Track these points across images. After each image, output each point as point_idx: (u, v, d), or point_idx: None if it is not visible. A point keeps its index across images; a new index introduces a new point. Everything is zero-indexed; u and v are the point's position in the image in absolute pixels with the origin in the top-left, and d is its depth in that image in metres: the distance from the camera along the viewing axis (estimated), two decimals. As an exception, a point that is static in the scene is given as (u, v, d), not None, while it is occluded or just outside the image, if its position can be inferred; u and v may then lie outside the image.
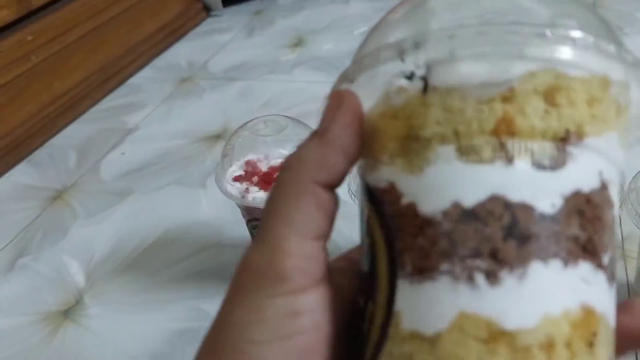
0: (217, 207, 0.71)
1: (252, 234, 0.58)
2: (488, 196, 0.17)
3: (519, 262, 0.16)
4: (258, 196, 0.52)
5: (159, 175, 0.80)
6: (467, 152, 0.17)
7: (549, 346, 0.16)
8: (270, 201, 0.20)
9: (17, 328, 0.59)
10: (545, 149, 0.17)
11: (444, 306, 0.17)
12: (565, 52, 0.17)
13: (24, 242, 0.71)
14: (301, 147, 0.20)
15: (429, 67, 0.18)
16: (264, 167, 0.55)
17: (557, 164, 0.17)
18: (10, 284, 0.65)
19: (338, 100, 0.20)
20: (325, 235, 0.20)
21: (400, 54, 0.18)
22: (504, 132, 0.17)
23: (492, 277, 0.16)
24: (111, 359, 0.54)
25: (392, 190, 0.18)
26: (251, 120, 0.54)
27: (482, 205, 0.17)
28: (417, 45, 0.17)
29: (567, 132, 0.17)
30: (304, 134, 0.56)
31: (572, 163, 0.17)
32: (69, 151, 0.88)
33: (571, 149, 0.17)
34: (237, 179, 0.55)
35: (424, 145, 0.18)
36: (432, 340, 0.17)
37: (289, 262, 0.19)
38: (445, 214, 0.17)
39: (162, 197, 0.75)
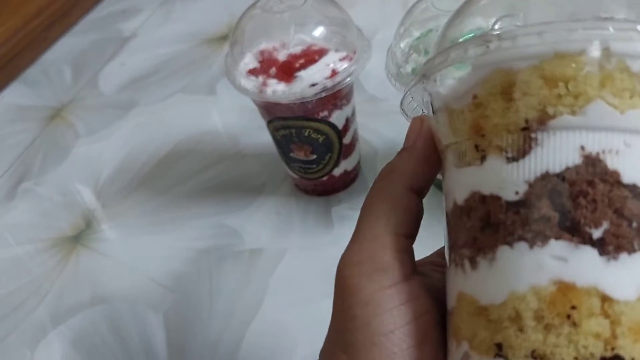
0: (230, 114, 0.64)
1: (274, 137, 0.51)
2: (470, 193, 0.20)
3: (489, 247, 0.19)
4: (278, 89, 0.44)
5: (163, 84, 0.72)
6: (458, 159, 0.20)
7: (517, 318, 0.18)
8: (365, 205, 0.23)
9: (26, 256, 0.54)
10: (509, 142, 0.18)
11: (452, 288, 0.21)
12: (505, 49, 0.18)
13: (23, 166, 0.64)
14: (394, 160, 0.23)
15: (430, 94, 0.22)
16: (281, 57, 0.47)
17: (523, 152, 0.18)
18: (14, 212, 0.59)
19: (420, 121, 0.23)
20: (414, 234, 0.23)
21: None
22: (476, 136, 0.19)
23: (473, 262, 0.20)
24: (130, 283, 0.49)
25: None
26: (260, -1, 0.45)
27: (466, 201, 0.20)
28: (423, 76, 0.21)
29: (526, 121, 0.18)
30: (327, 11, 0.48)
31: (538, 148, 0.18)
32: (63, 66, 0.80)
33: (536, 135, 0.18)
34: (252, 72, 0.47)
35: (443, 157, 0.22)
36: (450, 314, 0.21)
37: (389, 255, 0.21)
38: (449, 212, 0.21)
39: (168, 107, 0.68)
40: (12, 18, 0.82)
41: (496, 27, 0.19)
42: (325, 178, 0.52)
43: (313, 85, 0.44)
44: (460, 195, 0.20)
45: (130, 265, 0.51)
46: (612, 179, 0.18)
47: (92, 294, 0.49)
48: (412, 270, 0.22)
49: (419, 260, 0.25)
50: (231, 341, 0.44)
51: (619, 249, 0.18)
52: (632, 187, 0.18)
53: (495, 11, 0.20)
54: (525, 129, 0.18)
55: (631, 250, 0.18)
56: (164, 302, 0.47)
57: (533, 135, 0.18)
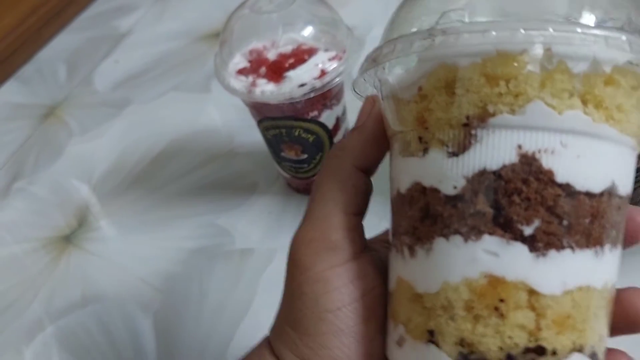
0: (224, 112, 0.64)
1: (265, 137, 0.51)
2: (412, 183, 0.20)
3: (427, 238, 0.20)
4: (267, 89, 0.44)
5: (157, 82, 0.71)
6: (403, 148, 0.21)
7: (449, 307, 0.19)
8: (318, 183, 0.23)
9: (18, 256, 0.54)
10: (451, 136, 0.19)
11: (393, 272, 0.22)
12: (449, 45, 0.18)
13: (17, 165, 0.64)
14: (344, 139, 0.24)
15: (380, 80, 0.22)
16: (271, 56, 0.47)
17: (463, 148, 0.18)
18: (6, 211, 0.59)
19: (372, 102, 0.23)
20: (363, 212, 0.23)
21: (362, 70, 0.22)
22: (420, 128, 0.20)
23: (412, 250, 0.20)
24: (120, 283, 0.49)
25: None
26: (251, -3, 0.45)
27: (409, 190, 0.20)
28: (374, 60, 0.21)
29: (467, 117, 0.18)
30: (316, 10, 0.48)
31: (478, 144, 0.18)
32: (58, 64, 0.79)
33: (476, 132, 0.18)
34: (241, 71, 0.46)
35: (391, 142, 0.22)
36: (390, 296, 0.22)
37: (339, 234, 0.22)
38: (393, 199, 0.22)
39: (162, 105, 0.68)
40: (7, 16, 0.82)
41: (441, 21, 0.19)
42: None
43: (302, 85, 0.44)
44: (403, 183, 0.21)
45: (121, 265, 0.51)
46: (546, 178, 0.18)
47: (83, 294, 0.49)
48: (362, 247, 0.23)
49: (372, 238, 0.25)
50: (221, 341, 0.44)
51: (548, 246, 0.18)
52: (565, 186, 0.18)
53: (441, 5, 0.20)
54: (466, 125, 0.18)
55: (560, 248, 0.18)
56: (154, 302, 0.47)
57: (473, 131, 0.18)
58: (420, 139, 0.20)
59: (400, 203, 0.21)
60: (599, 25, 0.18)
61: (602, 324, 0.20)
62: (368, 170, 0.23)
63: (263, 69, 0.46)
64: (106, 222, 0.55)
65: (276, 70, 0.45)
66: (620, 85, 0.18)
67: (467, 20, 0.19)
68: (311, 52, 0.45)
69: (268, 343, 0.24)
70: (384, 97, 0.22)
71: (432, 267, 0.19)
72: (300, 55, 0.45)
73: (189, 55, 0.74)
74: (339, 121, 0.49)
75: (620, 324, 0.21)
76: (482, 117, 0.18)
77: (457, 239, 0.19)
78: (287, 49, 0.47)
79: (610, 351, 0.22)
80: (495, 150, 0.18)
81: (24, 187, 0.61)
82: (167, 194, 0.57)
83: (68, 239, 0.54)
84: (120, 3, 0.89)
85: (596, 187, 0.19)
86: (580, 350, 0.19)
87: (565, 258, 0.18)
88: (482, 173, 0.18)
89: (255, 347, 0.25)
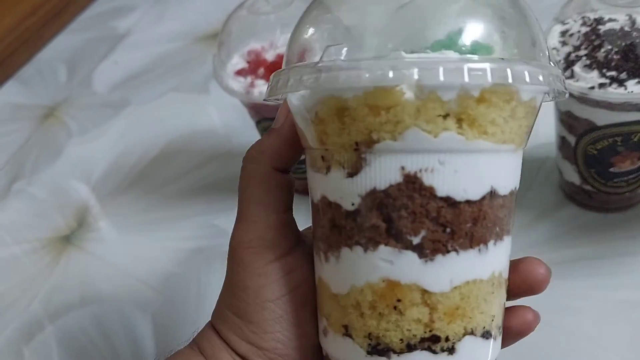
0: (223, 113, 0.64)
1: (263, 137, 0.51)
2: (320, 196, 0.23)
3: (335, 247, 0.22)
4: (265, 90, 0.44)
5: (156, 82, 0.71)
6: (312, 164, 0.23)
7: (358, 307, 0.22)
8: (243, 187, 0.26)
9: (17, 256, 0.54)
10: (346, 159, 0.21)
11: (315, 270, 0.25)
12: (332, 80, 0.20)
13: (17, 166, 0.65)
14: (261, 141, 0.26)
15: (287, 99, 0.24)
16: (269, 57, 0.47)
17: (356, 169, 0.21)
18: (6, 211, 0.59)
19: (286, 110, 0.25)
20: (291, 207, 0.26)
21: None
22: (321, 148, 0.22)
23: (326, 255, 0.23)
24: (120, 283, 0.49)
25: None
26: (250, -3, 0.45)
27: (319, 202, 0.23)
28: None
29: (357, 143, 0.21)
30: (315, 11, 0.48)
31: (367, 167, 0.21)
32: (57, 65, 0.80)
33: (365, 156, 0.21)
34: (239, 72, 0.47)
35: (305, 155, 0.25)
36: (316, 289, 0.25)
37: (273, 233, 0.25)
38: (311, 206, 0.24)
39: (161, 106, 0.68)
40: (7, 16, 0.82)
41: (325, 56, 0.21)
42: (315, 178, 0.51)
43: (300, 86, 0.44)
44: (315, 195, 0.23)
45: (119, 266, 0.51)
46: (428, 194, 0.21)
47: (82, 294, 0.49)
48: (295, 240, 0.26)
49: (307, 228, 0.28)
50: (219, 342, 0.44)
51: (435, 251, 0.21)
52: (446, 199, 0.21)
53: (323, 40, 0.22)
54: (356, 149, 0.21)
55: (445, 252, 0.21)
56: (153, 302, 0.47)
57: (363, 155, 0.21)
58: (322, 157, 0.22)
59: (315, 211, 0.23)
60: (468, 53, 0.20)
61: (494, 305, 0.23)
62: (286, 169, 0.26)
63: (261, 70, 0.46)
64: (105, 222, 0.56)
65: (274, 71, 0.45)
66: (492, 103, 0.20)
67: (344, 56, 0.21)
68: (309, 53, 0.45)
69: (212, 327, 0.27)
70: (293, 113, 0.23)
71: (342, 272, 0.22)
72: (298, 56, 0.46)
73: (188, 56, 0.74)
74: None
75: (521, 289, 0.25)
76: (368, 144, 0.20)
77: (359, 249, 0.22)
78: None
79: (515, 308, 0.25)
80: (382, 172, 0.21)
81: (24, 188, 0.62)
82: (166, 194, 0.57)
83: (67, 240, 0.55)
84: (120, 4, 0.89)
85: (475, 195, 0.21)
86: (472, 333, 0.22)
87: (450, 260, 0.21)
88: (374, 192, 0.21)
89: (201, 331, 0.27)
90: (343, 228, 0.22)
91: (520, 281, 0.25)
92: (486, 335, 0.23)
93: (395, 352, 0.22)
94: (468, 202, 0.21)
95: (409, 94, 0.20)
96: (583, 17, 0.40)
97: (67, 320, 0.47)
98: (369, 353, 0.22)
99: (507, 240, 0.23)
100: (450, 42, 0.20)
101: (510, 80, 0.19)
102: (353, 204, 0.21)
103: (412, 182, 0.20)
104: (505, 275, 0.24)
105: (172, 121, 0.65)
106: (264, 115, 0.47)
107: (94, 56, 0.79)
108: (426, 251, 0.21)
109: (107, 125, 0.67)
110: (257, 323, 0.25)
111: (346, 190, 0.21)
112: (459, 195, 0.21)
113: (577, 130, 0.40)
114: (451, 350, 0.22)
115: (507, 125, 0.21)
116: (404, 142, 0.20)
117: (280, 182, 0.25)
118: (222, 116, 0.63)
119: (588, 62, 0.37)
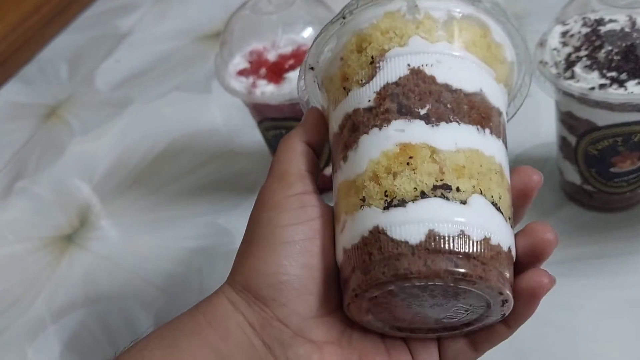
0: (225, 112, 0.64)
1: (265, 137, 0.51)
2: (342, 118, 0.27)
3: (354, 141, 0.26)
4: (267, 90, 0.44)
5: (159, 81, 0.72)
6: (334, 104, 0.28)
7: (374, 177, 0.25)
8: (275, 154, 0.29)
9: (20, 255, 0.55)
10: (363, 74, 0.26)
11: (334, 189, 0.28)
12: (354, 18, 0.27)
13: (19, 164, 0.65)
14: (292, 131, 0.30)
15: (317, 76, 0.30)
16: (271, 57, 0.47)
17: (371, 77, 0.26)
18: (9, 210, 0.60)
19: (311, 109, 0.30)
20: (313, 172, 0.29)
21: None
22: (344, 81, 0.27)
23: (345, 158, 0.27)
24: (122, 282, 0.50)
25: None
26: (252, -3, 0.45)
27: (340, 125, 0.28)
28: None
29: (372, 57, 0.26)
30: (316, 11, 0.48)
31: (381, 71, 0.26)
32: (60, 63, 0.80)
33: (379, 64, 0.26)
34: (241, 72, 0.47)
35: (327, 115, 0.30)
36: (334, 211, 0.28)
37: (292, 178, 0.28)
38: (331, 143, 0.29)
39: (164, 105, 0.68)
40: (10, 15, 0.82)
41: (345, 10, 0.28)
42: (316, 177, 0.52)
43: (302, 86, 0.44)
44: (335, 125, 0.28)
45: (122, 264, 0.51)
46: (430, 80, 0.26)
47: (85, 293, 0.49)
48: (313, 190, 0.28)
49: None
50: (221, 340, 0.44)
51: (439, 119, 0.25)
52: (445, 85, 0.26)
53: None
54: (371, 62, 0.26)
55: (448, 121, 0.25)
56: (155, 301, 0.47)
57: (377, 65, 0.26)
58: (344, 88, 0.27)
59: (335, 138, 0.28)
60: None
61: (499, 187, 0.25)
62: (311, 144, 0.29)
63: (263, 70, 0.46)
64: (108, 221, 0.56)
65: (276, 71, 0.46)
66: (472, 31, 0.27)
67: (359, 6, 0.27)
68: (311, 53, 0.46)
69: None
70: (320, 85, 0.29)
71: (359, 156, 0.26)
72: (300, 57, 0.46)
73: (190, 54, 0.75)
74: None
75: (528, 257, 0.26)
76: (381, 54, 0.26)
77: (375, 130, 0.25)
78: (287, 50, 0.47)
79: (529, 271, 0.25)
80: (393, 70, 0.26)
81: (26, 187, 0.62)
82: (168, 193, 0.57)
83: (70, 238, 0.55)
84: (122, 2, 0.89)
85: (468, 87, 0.26)
86: (480, 193, 0.24)
87: (453, 127, 0.25)
88: (386, 85, 0.26)
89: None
90: (361, 123, 0.26)
91: (529, 245, 0.25)
92: (496, 206, 0.25)
93: (410, 201, 0.24)
94: (463, 91, 0.26)
95: (409, 14, 0.26)
96: (584, 18, 0.40)
97: (69, 319, 0.48)
98: (385, 208, 0.24)
99: (502, 144, 0.27)
100: None
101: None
102: (369, 101, 0.26)
103: (416, 74, 0.26)
104: (507, 175, 0.27)
105: (175, 120, 0.65)
106: (265, 115, 0.47)
107: (96, 55, 0.79)
108: (432, 118, 0.25)
109: (110, 124, 0.67)
110: (263, 247, 0.26)
111: (364, 94, 0.26)
112: (455, 84, 0.26)
113: (577, 131, 0.40)
114: (464, 202, 0.24)
115: (485, 51, 0.27)
116: (409, 46, 0.26)
117: (305, 150, 0.29)
118: (225, 115, 0.64)
119: (588, 62, 0.37)
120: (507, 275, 0.24)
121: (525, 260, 0.26)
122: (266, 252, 0.26)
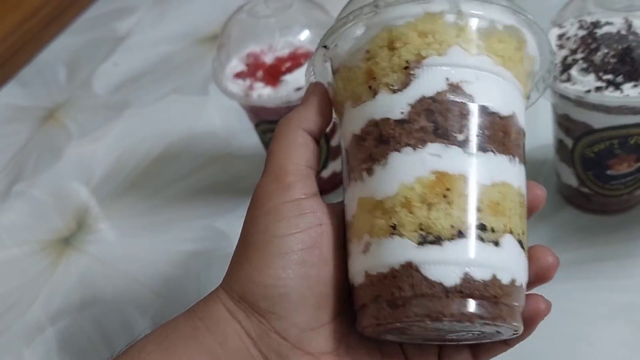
0: (223, 115, 0.64)
1: (262, 140, 0.51)
2: (366, 122, 0.25)
3: (382, 156, 0.24)
4: (264, 93, 0.44)
5: (156, 84, 0.72)
6: (354, 101, 0.26)
7: (407, 203, 0.23)
8: (271, 144, 0.27)
9: (18, 258, 0.55)
10: (395, 78, 0.24)
11: (352, 199, 0.26)
12: (389, 11, 0.25)
13: (17, 167, 0.65)
14: (291, 112, 0.28)
15: (330, 58, 0.28)
16: (268, 60, 0.47)
17: (405, 84, 0.24)
18: (7, 213, 0.60)
19: (314, 84, 0.28)
20: (313, 166, 0.27)
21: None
22: (370, 79, 0.25)
23: (370, 171, 0.25)
24: (120, 286, 0.49)
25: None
26: (249, 0, 0.45)
27: (363, 129, 0.25)
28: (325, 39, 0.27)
29: (407, 62, 0.24)
30: (312, 14, 0.48)
31: (416, 80, 0.24)
32: (58, 66, 0.80)
33: (414, 71, 0.24)
34: (238, 75, 0.47)
35: (340, 106, 0.27)
36: (350, 223, 0.26)
37: (291, 178, 0.26)
38: (347, 146, 0.27)
39: (161, 108, 0.68)
40: (8, 17, 0.82)
41: None
42: (314, 180, 0.52)
43: (299, 89, 0.44)
44: (357, 127, 0.26)
45: (119, 268, 0.51)
46: (469, 100, 0.24)
47: (82, 296, 0.49)
48: (313, 192, 0.26)
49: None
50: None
51: (476, 147, 0.24)
52: (483, 108, 0.24)
53: None
54: (406, 67, 0.24)
55: (485, 150, 0.24)
56: (152, 305, 0.47)
57: (412, 72, 0.24)
58: (370, 87, 0.25)
59: (356, 142, 0.26)
60: None
61: (522, 221, 0.25)
62: (312, 132, 0.27)
63: (260, 73, 0.46)
64: (105, 224, 0.56)
65: (273, 74, 0.46)
66: (509, 43, 0.25)
67: None
68: (308, 56, 0.46)
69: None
70: (335, 71, 0.27)
71: (389, 176, 0.24)
72: (297, 59, 0.46)
73: (188, 58, 0.75)
74: (335, 124, 0.49)
75: (533, 280, 0.26)
76: (418, 61, 0.24)
77: (408, 150, 0.24)
78: (284, 52, 0.47)
79: (529, 296, 0.25)
80: (430, 82, 0.24)
81: (24, 190, 0.62)
82: (165, 196, 0.57)
83: (67, 242, 0.55)
84: (120, 5, 0.89)
85: (503, 111, 0.25)
86: (511, 232, 0.24)
87: (489, 158, 0.24)
88: (422, 99, 0.24)
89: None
90: (391, 137, 0.24)
91: (531, 272, 0.25)
92: (521, 244, 0.24)
93: (446, 240, 0.23)
94: (498, 115, 0.24)
95: (451, 18, 0.24)
96: (580, 21, 0.40)
97: (67, 322, 0.48)
98: (420, 244, 0.23)
99: (524, 170, 0.26)
100: None
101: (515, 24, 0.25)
102: (402, 113, 0.24)
103: (455, 91, 0.24)
104: (525, 202, 0.26)
105: (172, 123, 0.65)
106: (262, 117, 0.47)
107: (94, 58, 0.79)
108: (470, 146, 0.24)
109: (107, 127, 0.67)
110: (260, 257, 0.25)
111: (395, 103, 0.24)
112: (492, 106, 0.24)
113: (574, 133, 0.40)
114: (496, 244, 0.23)
115: (520, 65, 0.26)
116: (448, 57, 0.24)
117: (305, 141, 0.27)
118: (222, 118, 0.64)
119: (585, 65, 0.37)
120: (522, 308, 0.25)
121: (528, 283, 0.26)
122: (263, 261, 0.25)
